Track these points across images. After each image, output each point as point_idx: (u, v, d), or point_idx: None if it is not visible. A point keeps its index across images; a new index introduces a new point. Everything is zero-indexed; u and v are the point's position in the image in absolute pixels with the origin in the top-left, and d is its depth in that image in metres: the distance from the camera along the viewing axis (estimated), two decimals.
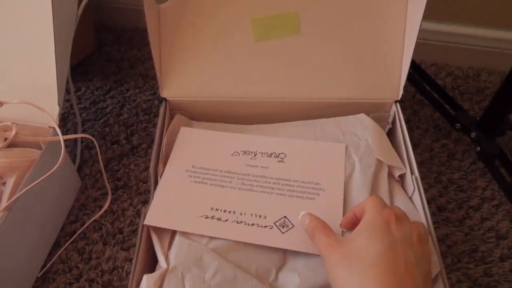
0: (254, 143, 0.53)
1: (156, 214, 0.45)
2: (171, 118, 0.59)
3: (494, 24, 0.80)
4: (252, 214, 0.45)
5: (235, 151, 0.52)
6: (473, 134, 0.64)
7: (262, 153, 0.52)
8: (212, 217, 0.45)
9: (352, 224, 0.42)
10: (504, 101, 0.60)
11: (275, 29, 0.57)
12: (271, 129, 0.57)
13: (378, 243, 0.35)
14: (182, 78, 0.57)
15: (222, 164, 0.50)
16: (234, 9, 0.57)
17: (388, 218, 0.37)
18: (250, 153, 0.52)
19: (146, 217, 0.45)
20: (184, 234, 0.44)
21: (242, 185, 0.48)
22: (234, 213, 0.45)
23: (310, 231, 0.40)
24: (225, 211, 0.46)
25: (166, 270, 0.41)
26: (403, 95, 0.56)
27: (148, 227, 0.45)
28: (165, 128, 0.55)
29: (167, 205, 0.46)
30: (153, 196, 0.48)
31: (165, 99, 0.57)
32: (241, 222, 0.45)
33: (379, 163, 0.50)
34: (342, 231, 0.44)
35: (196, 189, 0.48)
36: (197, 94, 0.57)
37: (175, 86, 0.57)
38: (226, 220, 0.45)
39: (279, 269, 0.42)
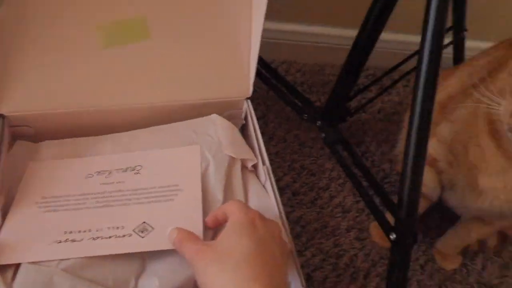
0: (107, 162, 0.51)
1: (3, 251, 0.41)
2: (12, 135, 0.54)
3: (335, 23, 0.90)
4: (109, 228, 0.44)
5: (89, 173, 0.50)
6: (318, 123, 0.71)
7: (117, 170, 0.51)
8: (65, 240, 0.42)
9: (216, 223, 0.43)
10: (340, 91, 0.68)
11: (124, 35, 0.57)
12: (124, 138, 0.56)
13: (247, 240, 0.37)
14: (21, 92, 0.53)
15: (75, 189, 0.48)
16: (78, 15, 0.55)
17: (253, 217, 0.40)
18: (104, 172, 0.50)
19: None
20: (31, 262, 0.41)
21: (97, 203, 0.47)
22: (90, 231, 0.43)
23: (178, 243, 0.40)
24: (79, 231, 0.43)
25: None
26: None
27: None
28: (3, 147, 0.50)
29: (15, 239, 0.43)
30: None
31: (1, 115, 0.53)
32: (98, 237, 0.43)
33: (232, 158, 0.53)
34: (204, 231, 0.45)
35: (47, 218, 0.45)
36: (41, 107, 0.54)
37: (14, 100, 0.53)
38: (81, 240, 0.43)
39: (138, 277, 0.42)
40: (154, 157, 0.52)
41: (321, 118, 0.72)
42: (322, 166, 0.72)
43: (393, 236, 0.53)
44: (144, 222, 0.45)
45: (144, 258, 0.43)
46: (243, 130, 0.64)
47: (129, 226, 0.44)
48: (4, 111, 0.53)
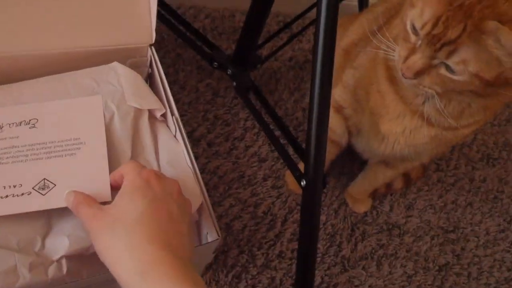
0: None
1: None
2: None
3: None
4: (4, 187, 0.41)
5: None
6: (229, 71, 0.69)
7: (9, 124, 0.46)
8: None
9: (116, 185, 0.41)
10: (248, 38, 0.66)
11: None
12: (16, 89, 0.50)
13: (140, 201, 0.35)
14: None
15: None
16: None
17: (148, 177, 0.37)
18: None
19: None
20: None
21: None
22: None
23: (75, 208, 0.38)
24: None
25: None
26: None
27: None
28: None
29: None
30: None
31: None
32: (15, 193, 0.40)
33: (138, 109, 0.49)
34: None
35: None
36: None
37: None
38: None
39: (45, 236, 0.39)
40: (51, 109, 0.48)
41: (232, 66, 0.69)
42: (236, 115, 0.71)
43: (303, 183, 0.53)
44: (44, 179, 0.42)
45: (49, 216, 0.41)
46: (150, 78, 0.60)
47: (27, 184, 0.41)
48: None
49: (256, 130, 0.70)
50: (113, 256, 0.34)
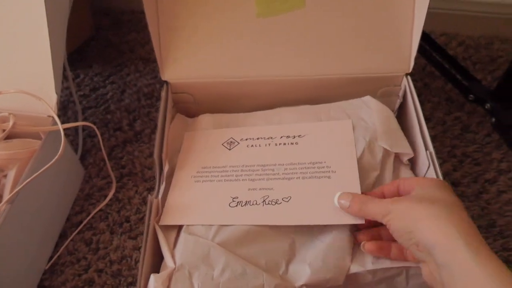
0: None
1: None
2: (174, 101, 0.57)
3: None
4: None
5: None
6: (487, 105, 0.61)
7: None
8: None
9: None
10: None
11: (279, 4, 0.54)
12: (274, 115, 0.55)
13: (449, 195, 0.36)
14: (183, 60, 0.55)
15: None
16: None
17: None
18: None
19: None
20: (190, 231, 0.42)
21: (256, 176, 0.47)
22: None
23: (358, 206, 0.39)
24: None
25: (173, 269, 0.39)
26: (413, 68, 0.54)
27: (154, 224, 0.43)
28: (168, 111, 0.53)
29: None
30: (158, 189, 0.47)
31: (166, 82, 0.55)
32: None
33: (386, 150, 0.48)
34: None
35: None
36: (199, 75, 0.55)
37: (176, 68, 0.55)
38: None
39: (289, 262, 0.40)
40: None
41: (491, 100, 0.62)
42: (489, 155, 0.62)
43: None
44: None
45: (294, 242, 0.42)
46: (400, 109, 0.58)
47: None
48: (166, 78, 0.56)
49: None
50: (431, 225, 0.34)
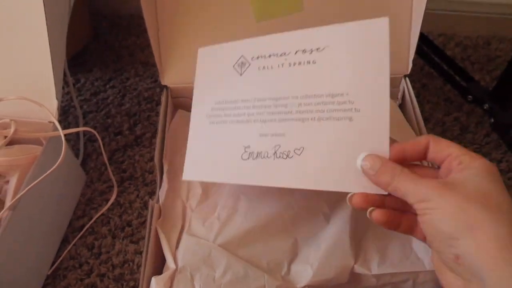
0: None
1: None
2: (174, 105, 0.57)
3: None
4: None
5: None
6: (486, 106, 0.62)
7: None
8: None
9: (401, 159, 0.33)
10: None
11: (277, 8, 0.55)
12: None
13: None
14: (182, 64, 0.55)
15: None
16: None
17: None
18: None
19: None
20: (191, 232, 0.43)
21: (268, 115, 0.40)
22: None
23: (387, 178, 0.31)
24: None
25: (175, 271, 0.40)
26: (411, 69, 0.54)
27: (156, 227, 0.43)
28: (168, 116, 0.53)
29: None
30: (158, 193, 0.47)
31: (166, 86, 0.56)
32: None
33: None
34: None
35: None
36: None
37: (176, 73, 0.55)
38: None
39: (291, 262, 0.41)
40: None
41: (490, 100, 0.62)
42: (488, 155, 0.63)
43: None
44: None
45: (296, 242, 0.42)
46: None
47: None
48: (166, 83, 0.56)
49: (511, 174, 0.61)
50: (489, 244, 0.26)
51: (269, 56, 0.42)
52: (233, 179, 0.39)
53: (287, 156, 0.37)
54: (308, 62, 0.39)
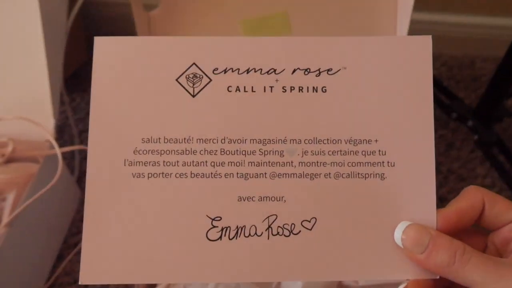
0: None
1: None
2: None
3: (486, 11, 0.80)
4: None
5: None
6: (470, 123, 0.64)
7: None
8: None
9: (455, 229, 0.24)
10: (498, 87, 0.60)
11: (266, 31, 0.57)
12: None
13: None
14: None
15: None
16: (223, 12, 0.57)
17: None
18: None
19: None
20: None
21: (250, 166, 0.26)
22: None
23: (446, 260, 0.23)
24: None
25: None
26: None
27: None
28: None
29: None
30: None
31: None
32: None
33: None
34: None
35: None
36: None
37: None
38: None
39: None
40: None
41: (473, 118, 0.64)
42: (473, 171, 0.65)
43: None
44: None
45: None
46: None
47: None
48: None
49: (496, 189, 0.62)
50: None
51: (247, 71, 0.26)
52: (190, 277, 0.25)
53: (291, 232, 0.25)
54: (315, 89, 0.26)
